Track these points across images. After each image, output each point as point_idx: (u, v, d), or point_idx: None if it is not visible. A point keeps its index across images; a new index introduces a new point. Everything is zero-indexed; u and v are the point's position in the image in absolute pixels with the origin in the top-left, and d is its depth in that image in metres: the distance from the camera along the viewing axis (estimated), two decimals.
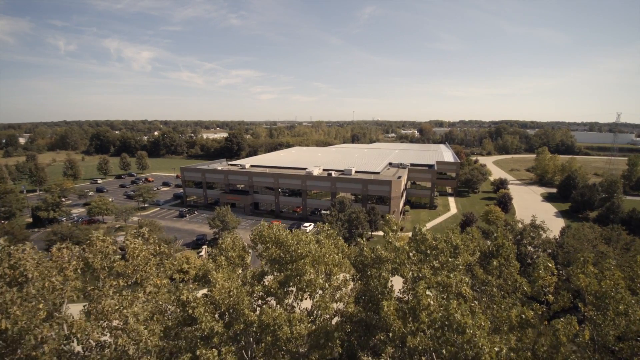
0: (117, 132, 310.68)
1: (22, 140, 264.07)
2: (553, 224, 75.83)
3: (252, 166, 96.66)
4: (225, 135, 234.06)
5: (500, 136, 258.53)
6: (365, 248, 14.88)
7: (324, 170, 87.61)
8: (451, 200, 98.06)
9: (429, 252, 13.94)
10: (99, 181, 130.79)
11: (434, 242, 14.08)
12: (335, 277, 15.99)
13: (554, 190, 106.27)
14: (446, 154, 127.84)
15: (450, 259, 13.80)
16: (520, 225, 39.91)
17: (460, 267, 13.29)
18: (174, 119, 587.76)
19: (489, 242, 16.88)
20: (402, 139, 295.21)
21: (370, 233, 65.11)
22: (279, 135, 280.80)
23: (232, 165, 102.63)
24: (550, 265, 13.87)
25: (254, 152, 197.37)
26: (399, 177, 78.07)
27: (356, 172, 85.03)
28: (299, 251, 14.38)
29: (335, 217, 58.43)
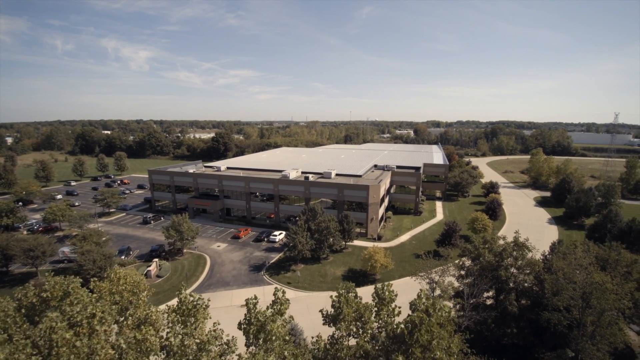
0: (108, 132, 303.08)
1: (10, 140, 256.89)
2: (545, 232, 70.20)
3: (228, 168, 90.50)
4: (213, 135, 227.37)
5: (495, 137, 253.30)
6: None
7: (302, 173, 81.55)
8: (439, 205, 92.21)
9: None
10: (73, 183, 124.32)
11: None
12: None
13: (548, 194, 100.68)
14: (436, 156, 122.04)
15: None
16: (501, 241, 33.95)
17: None
18: (171, 119, 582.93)
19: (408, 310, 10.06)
20: (397, 139, 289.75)
21: (344, 243, 59.07)
22: (270, 136, 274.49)
23: (207, 167, 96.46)
24: None
25: (241, 153, 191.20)
26: (380, 181, 72.15)
27: (337, 175, 78.95)
28: (53, 336, 8.31)
29: (302, 227, 52.36)
